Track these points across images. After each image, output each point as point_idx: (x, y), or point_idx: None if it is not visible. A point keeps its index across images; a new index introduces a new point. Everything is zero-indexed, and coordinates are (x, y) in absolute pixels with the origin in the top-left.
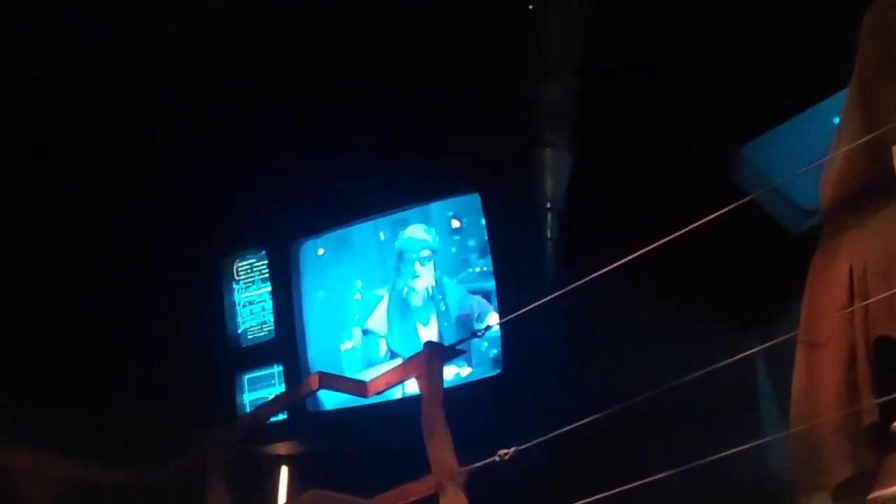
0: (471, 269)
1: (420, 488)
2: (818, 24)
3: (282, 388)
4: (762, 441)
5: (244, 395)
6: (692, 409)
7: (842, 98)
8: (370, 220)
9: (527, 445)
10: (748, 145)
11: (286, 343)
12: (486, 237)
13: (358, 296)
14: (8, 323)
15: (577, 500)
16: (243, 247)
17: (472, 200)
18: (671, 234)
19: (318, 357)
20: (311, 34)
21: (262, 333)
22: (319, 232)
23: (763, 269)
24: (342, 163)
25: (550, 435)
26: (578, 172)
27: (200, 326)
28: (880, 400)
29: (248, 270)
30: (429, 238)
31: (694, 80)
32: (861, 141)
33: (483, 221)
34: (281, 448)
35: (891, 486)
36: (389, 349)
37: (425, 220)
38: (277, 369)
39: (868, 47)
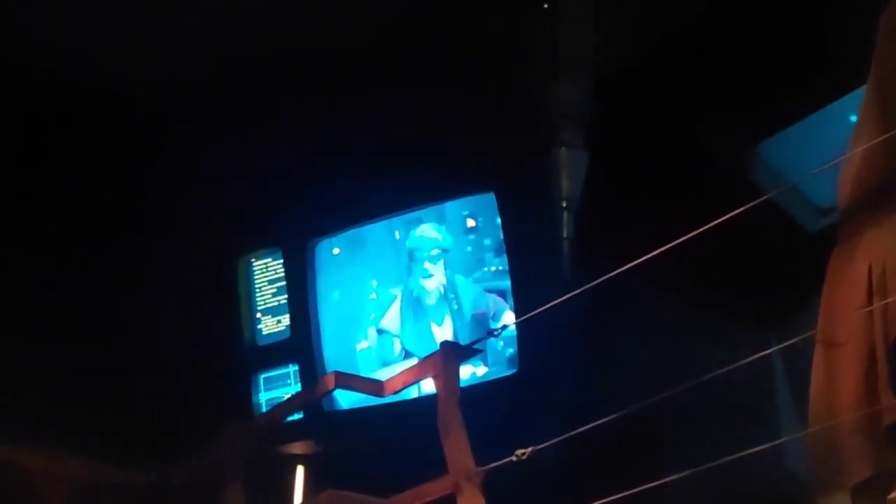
0: (486, 269)
1: (437, 488)
2: (835, 22)
3: (298, 387)
4: (780, 441)
5: (260, 395)
6: (709, 409)
7: (859, 96)
8: (385, 219)
9: (544, 445)
10: (764, 144)
11: (302, 342)
12: (502, 236)
13: (373, 295)
14: (25, 325)
15: (593, 501)
16: (259, 246)
17: (488, 199)
18: (687, 234)
19: (333, 356)
20: (330, 31)
21: (278, 333)
22: (335, 231)
23: (780, 268)
24: (357, 162)
25: (567, 435)
26: (594, 171)
27: (216, 326)
28: None
29: (264, 270)
30: (439, 237)
31: (710, 79)
32: (879, 140)
33: (498, 220)
34: (297, 448)
35: None
36: (404, 348)
37: (440, 220)
38: (293, 369)
39: (885, 46)
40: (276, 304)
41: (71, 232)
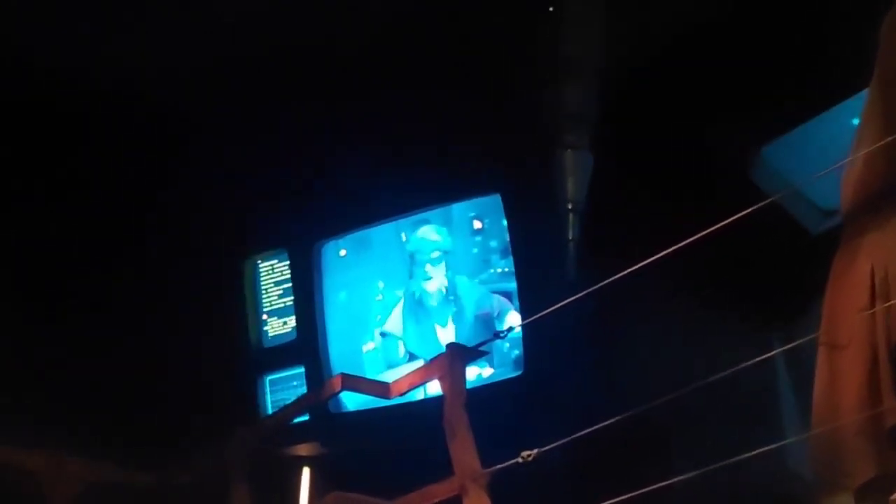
0: (492, 270)
1: (443, 490)
2: (838, 26)
3: (304, 389)
4: (784, 443)
5: (267, 397)
6: (714, 411)
7: (862, 99)
8: (392, 220)
9: (550, 447)
10: (768, 147)
11: (308, 344)
12: (508, 238)
13: (380, 297)
14: (29, 326)
15: (599, 502)
16: (265, 248)
17: (494, 201)
18: (692, 236)
19: (340, 358)
20: (337, 33)
21: (285, 335)
22: (341, 233)
23: (784, 270)
24: (364, 163)
25: (573, 436)
26: (600, 173)
27: (222, 328)
28: None
29: (270, 271)
30: (439, 239)
31: (713, 83)
32: (881, 143)
33: (504, 222)
34: (303, 449)
35: None
36: (408, 350)
37: (447, 221)
38: (300, 370)
39: (888, 50)
40: (282, 305)
41: (74, 233)
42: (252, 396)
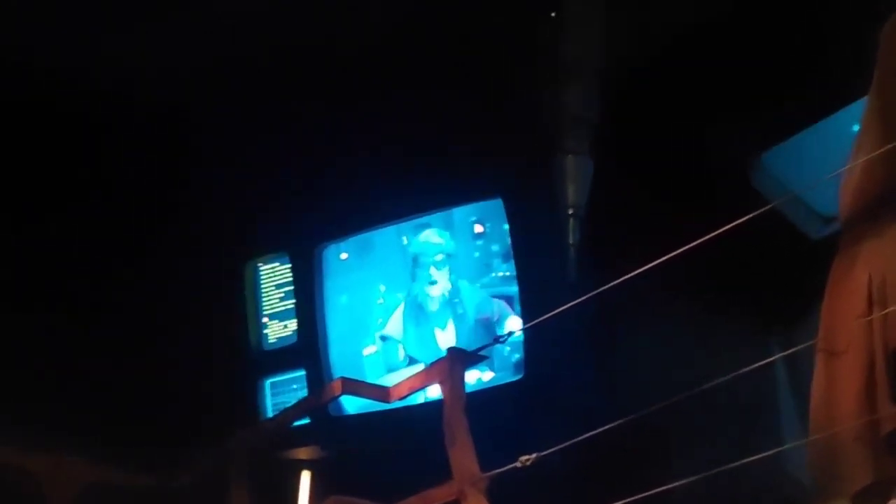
0: (494, 274)
1: (442, 494)
2: (837, 33)
3: (304, 392)
4: (782, 448)
5: (267, 400)
6: (713, 416)
7: (861, 106)
8: (393, 224)
9: (549, 451)
10: (768, 153)
11: (309, 347)
12: (510, 242)
13: (381, 300)
14: (31, 329)
15: None
16: (266, 251)
17: (495, 205)
18: (693, 241)
19: (340, 361)
20: (341, 36)
21: (285, 338)
22: (343, 236)
23: (783, 275)
24: (366, 167)
25: (573, 441)
26: (600, 177)
27: (223, 330)
28: None
29: (271, 274)
30: (442, 242)
31: (713, 89)
32: (881, 150)
33: (506, 226)
34: (303, 452)
35: None
36: (407, 354)
37: (448, 225)
38: (300, 373)
39: (887, 56)
40: (283, 308)
41: (75, 235)
42: (252, 399)
